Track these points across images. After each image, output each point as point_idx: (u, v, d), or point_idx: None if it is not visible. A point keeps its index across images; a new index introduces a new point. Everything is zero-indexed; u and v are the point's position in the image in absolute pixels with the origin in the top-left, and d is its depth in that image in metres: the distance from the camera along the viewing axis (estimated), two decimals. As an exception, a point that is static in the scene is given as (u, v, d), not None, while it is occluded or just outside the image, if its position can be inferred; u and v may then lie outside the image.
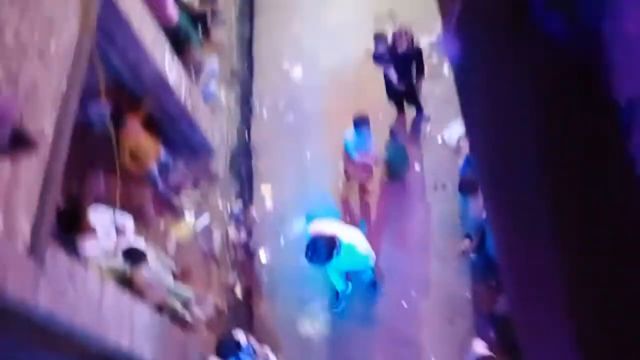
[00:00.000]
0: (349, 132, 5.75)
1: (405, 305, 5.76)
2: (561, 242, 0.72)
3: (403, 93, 6.41)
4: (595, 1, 0.59)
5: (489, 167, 1.17)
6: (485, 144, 1.19)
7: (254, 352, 4.80)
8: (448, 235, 5.99)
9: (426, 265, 5.93)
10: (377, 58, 6.13)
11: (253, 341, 4.90)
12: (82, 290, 3.54)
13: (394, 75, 6.11)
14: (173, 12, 5.86)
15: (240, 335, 4.69)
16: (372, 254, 4.89)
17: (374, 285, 5.76)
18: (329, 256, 4.18)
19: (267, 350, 5.09)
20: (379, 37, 6.00)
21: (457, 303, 5.63)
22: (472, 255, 5.72)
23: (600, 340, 0.76)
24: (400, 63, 6.05)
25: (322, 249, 4.20)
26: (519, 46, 0.74)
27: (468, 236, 5.63)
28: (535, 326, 1.12)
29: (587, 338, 0.79)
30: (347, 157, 6.01)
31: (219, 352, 4.43)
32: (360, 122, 5.55)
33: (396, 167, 6.23)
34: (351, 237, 4.61)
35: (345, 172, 6.34)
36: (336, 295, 5.71)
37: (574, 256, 0.72)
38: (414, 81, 6.26)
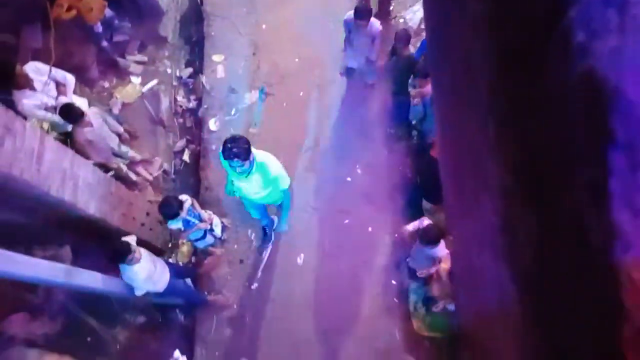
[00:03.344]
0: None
1: (349, 180, 6.04)
2: (496, 121, 0.77)
3: None
4: None
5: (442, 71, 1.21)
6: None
7: (199, 217, 4.99)
8: (399, 122, 6.17)
9: (375, 148, 6.12)
10: None
11: (197, 205, 5.08)
12: (20, 142, 3.58)
13: None
14: None
15: (185, 198, 4.83)
16: (287, 178, 4.48)
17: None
18: (248, 152, 3.90)
19: (212, 215, 5.29)
20: None
21: (398, 180, 5.94)
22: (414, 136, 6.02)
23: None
24: None
25: (242, 144, 3.89)
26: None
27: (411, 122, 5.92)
28: (463, 201, 1.22)
29: (510, 220, 0.87)
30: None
31: (161, 210, 4.59)
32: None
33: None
34: (265, 156, 4.32)
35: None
36: (264, 230, 5.73)
37: (510, 136, 0.76)
38: None
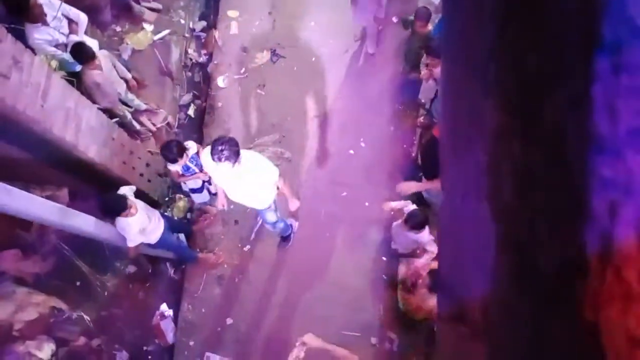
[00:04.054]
0: None
1: (352, 152, 5.99)
2: (497, 63, 0.83)
3: None
4: None
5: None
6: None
7: (201, 166, 4.91)
8: (409, 99, 6.10)
9: (381, 123, 6.06)
10: None
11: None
12: (27, 77, 3.51)
13: None
14: None
15: (191, 145, 4.77)
16: (276, 170, 4.25)
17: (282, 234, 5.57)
18: (237, 155, 3.76)
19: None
20: None
21: (401, 159, 5.90)
22: (422, 115, 5.96)
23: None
24: None
25: (233, 145, 3.75)
26: None
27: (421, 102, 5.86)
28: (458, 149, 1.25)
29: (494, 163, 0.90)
30: None
31: (162, 152, 4.55)
32: None
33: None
34: (251, 154, 4.18)
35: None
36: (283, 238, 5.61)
37: (509, 75, 0.83)
38: None
